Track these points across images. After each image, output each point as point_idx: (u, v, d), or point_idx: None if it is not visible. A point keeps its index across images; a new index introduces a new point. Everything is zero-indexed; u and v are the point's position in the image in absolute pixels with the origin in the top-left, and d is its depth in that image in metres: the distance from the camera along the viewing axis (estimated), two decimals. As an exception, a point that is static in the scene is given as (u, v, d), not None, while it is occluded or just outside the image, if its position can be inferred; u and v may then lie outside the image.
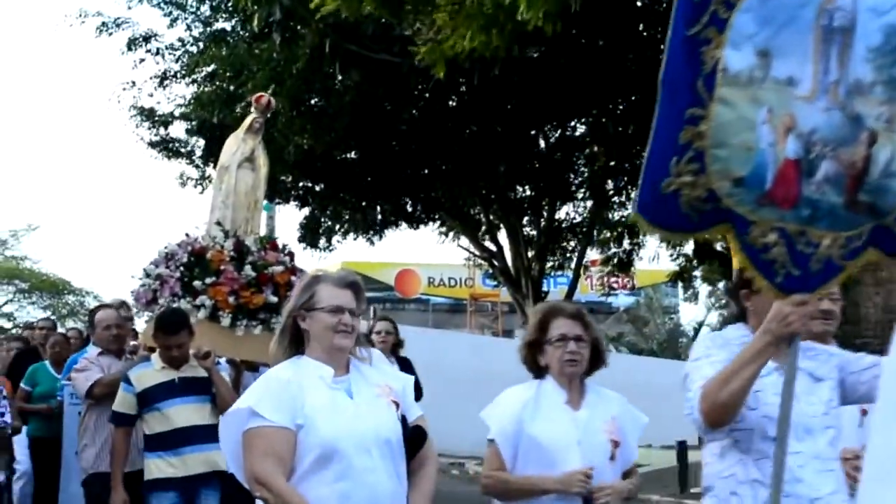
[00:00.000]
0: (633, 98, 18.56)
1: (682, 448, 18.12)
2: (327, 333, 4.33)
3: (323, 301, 4.35)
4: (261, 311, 8.09)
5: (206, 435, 7.20)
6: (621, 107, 19.18)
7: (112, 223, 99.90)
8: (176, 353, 7.36)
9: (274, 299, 8.05)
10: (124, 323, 8.78)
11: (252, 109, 9.14)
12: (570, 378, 4.97)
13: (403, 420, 4.42)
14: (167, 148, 24.13)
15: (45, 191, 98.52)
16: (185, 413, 7.33)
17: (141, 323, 10.46)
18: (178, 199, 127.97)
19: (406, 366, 8.52)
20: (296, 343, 4.43)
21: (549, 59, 16.41)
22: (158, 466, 7.31)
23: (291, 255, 8.77)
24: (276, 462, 4.15)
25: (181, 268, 8.06)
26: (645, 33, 17.55)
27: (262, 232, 8.97)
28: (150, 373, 7.43)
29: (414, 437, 4.44)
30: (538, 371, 5.04)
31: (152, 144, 24.06)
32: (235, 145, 8.83)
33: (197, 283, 7.96)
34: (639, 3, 16.45)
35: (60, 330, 13.34)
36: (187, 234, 8.51)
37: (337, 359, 4.38)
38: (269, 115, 9.40)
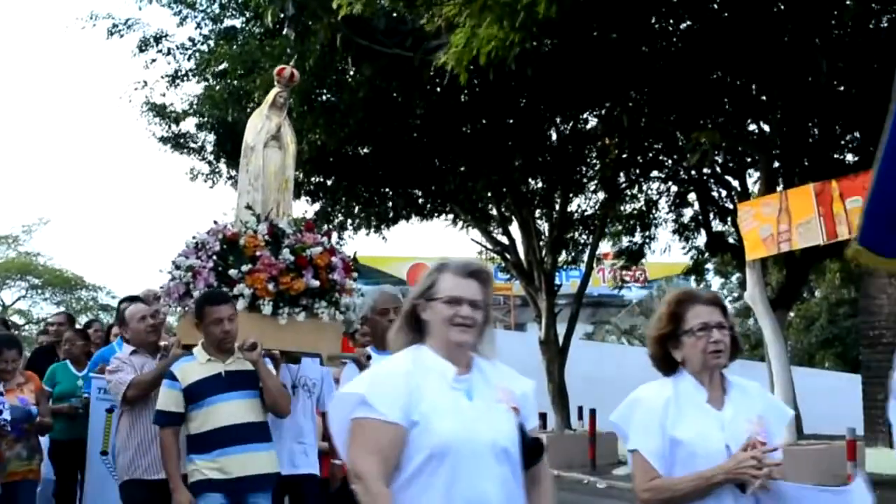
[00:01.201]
0: (645, 91, 18.53)
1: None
2: (444, 326, 3.98)
3: (442, 291, 4.01)
4: (303, 296, 7.45)
5: (255, 433, 6.85)
6: (633, 99, 19.14)
7: (124, 218, 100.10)
8: (228, 326, 6.79)
9: (315, 283, 7.47)
10: (159, 314, 8.16)
11: (275, 83, 8.44)
12: (712, 371, 4.46)
13: (521, 429, 4.03)
14: (178, 143, 24.23)
15: (56, 186, 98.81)
16: (232, 409, 6.80)
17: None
18: (188, 193, 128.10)
19: None
20: (415, 331, 4.08)
21: (562, 52, 16.40)
22: (203, 469, 6.74)
23: (329, 234, 8.10)
24: (377, 460, 3.82)
25: (214, 257, 7.43)
26: (657, 26, 17.53)
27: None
28: (195, 366, 6.87)
29: (532, 449, 4.05)
30: (669, 368, 4.56)
31: (164, 140, 24.16)
32: (260, 123, 8.21)
33: (232, 272, 7.35)
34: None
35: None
36: (216, 221, 7.89)
37: (457, 354, 4.01)
38: (292, 88, 8.62)
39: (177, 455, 6.86)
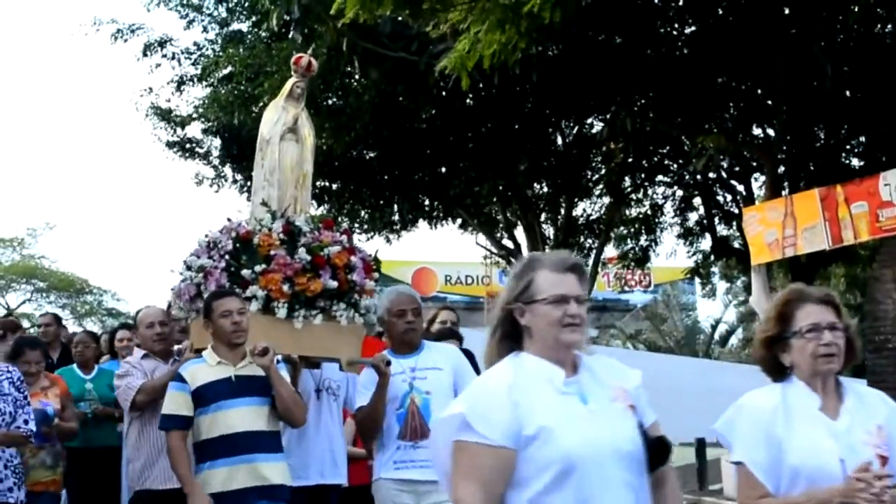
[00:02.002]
0: (650, 95, 18.55)
1: (700, 445, 18.15)
2: (552, 329, 3.63)
3: (543, 290, 3.66)
4: (319, 298, 7.03)
5: (265, 443, 6.46)
6: (638, 104, 19.16)
7: (129, 222, 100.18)
8: (237, 318, 6.42)
9: (333, 284, 7.05)
10: (169, 321, 7.89)
11: (292, 72, 7.97)
12: (825, 377, 4.08)
13: (641, 428, 3.69)
14: (184, 148, 24.26)
15: (61, 190, 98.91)
16: (241, 416, 6.39)
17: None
18: (194, 198, 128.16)
19: (470, 360, 7.46)
20: (511, 338, 3.73)
21: (567, 57, 16.42)
22: (209, 479, 6.36)
23: (348, 233, 7.64)
24: (478, 488, 3.48)
25: (226, 256, 7.02)
26: (662, 30, 17.55)
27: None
28: (204, 368, 6.49)
29: (657, 449, 3.68)
30: (778, 373, 4.19)
31: (169, 144, 24.20)
32: (276, 115, 7.72)
33: (246, 272, 6.92)
34: (656, 1, 16.44)
35: (73, 328, 12.81)
36: (229, 219, 7.50)
37: (564, 356, 3.68)
38: (310, 78, 8.11)
39: (187, 458, 6.46)
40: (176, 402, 6.46)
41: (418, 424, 6.57)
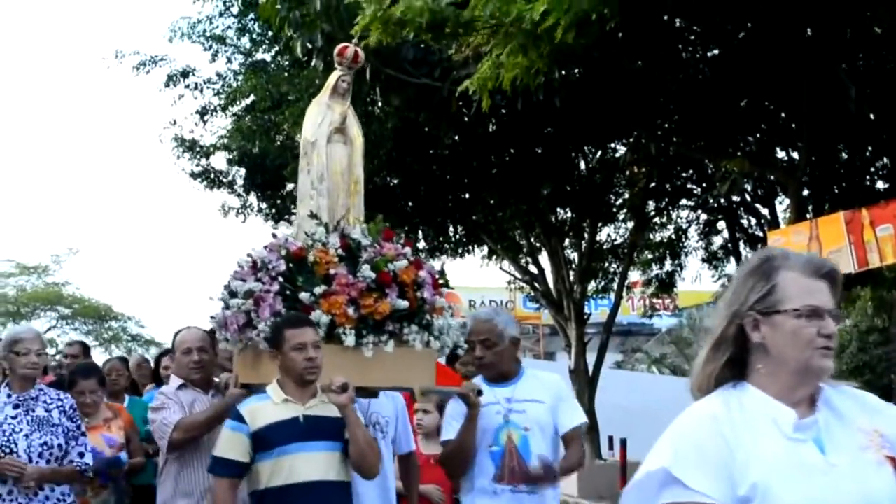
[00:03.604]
0: (673, 119, 18.53)
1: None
2: (801, 351, 2.82)
3: (792, 298, 2.83)
4: (388, 320, 6.11)
5: (336, 496, 5.62)
6: (661, 128, 19.14)
7: (152, 248, 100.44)
8: (312, 353, 5.56)
9: (403, 304, 6.13)
10: (211, 347, 7.01)
11: (336, 65, 7.00)
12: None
13: None
14: (209, 178, 24.35)
15: (84, 216, 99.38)
16: (310, 463, 5.51)
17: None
18: (217, 225, 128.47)
19: None
20: (735, 363, 2.92)
21: (589, 81, 16.41)
22: None
23: (411, 244, 6.80)
24: None
25: (279, 278, 6.07)
26: (684, 54, 17.53)
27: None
28: (268, 407, 5.58)
29: None
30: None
31: (194, 175, 24.30)
32: (320, 115, 6.80)
33: (304, 296, 5.96)
34: (678, 24, 16.42)
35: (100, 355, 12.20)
36: (274, 235, 6.72)
37: (805, 388, 2.87)
38: (357, 70, 7.20)
39: None
40: (231, 445, 5.56)
41: (517, 466, 5.87)
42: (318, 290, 6.00)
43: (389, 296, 6.13)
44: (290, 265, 6.15)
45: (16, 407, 6.79)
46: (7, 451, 6.58)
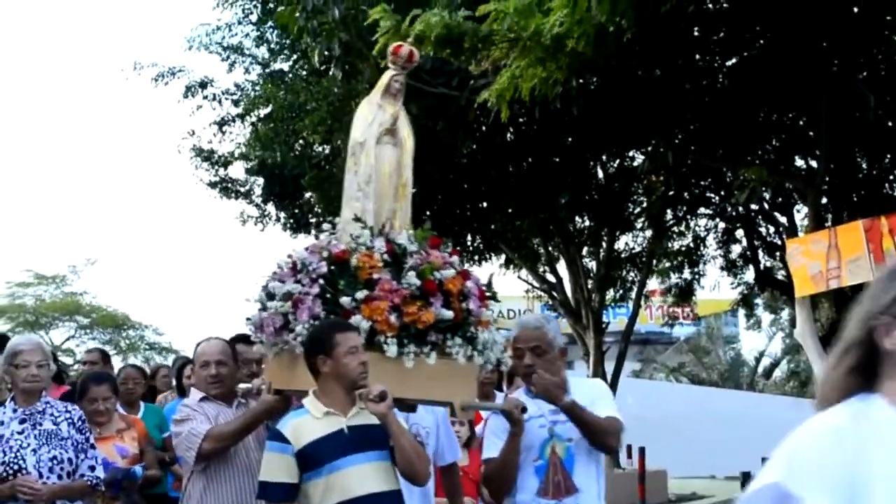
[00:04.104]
0: (690, 127, 18.52)
1: (746, 479, 18.00)
2: None
3: None
4: (430, 331, 5.76)
5: None
6: (679, 136, 19.13)
7: (170, 257, 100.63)
8: (364, 356, 5.31)
9: (448, 314, 5.77)
10: (231, 359, 6.70)
11: (389, 64, 6.69)
12: None
13: None
14: (226, 188, 24.41)
15: (102, 225, 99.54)
16: (362, 476, 5.23)
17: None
18: (235, 234, 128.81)
19: None
20: (864, 370, 2.58)
21: (607, 90, 16.42)
22: None
23: (458, 252, 6.52)
24: None
25: (320, 281, 5.77)
26: (702, 63, 17.52)
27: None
28: (309, 422, 5.27)
29: None
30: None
31: (212, 185, 24.36)
32: (371, 114, 6.48)
33: (345, 300, 5.65)
34: (696, 33, 16.42)
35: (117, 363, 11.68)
36: (317, 237, 6.47)
37: None
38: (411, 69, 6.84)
39: None
40: (277, 468, 5.23)
41: (562, 479, 5.63)
42: (361, 294, 5.66)
43: (434, 305, 5.79)
44: (332, 268, 5.83)
45: (22, 421, 6.55)
46: (15, 467, 6.36)
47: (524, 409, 5.59)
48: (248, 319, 6.21)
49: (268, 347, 6.01)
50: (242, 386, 6.62)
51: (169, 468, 8.58)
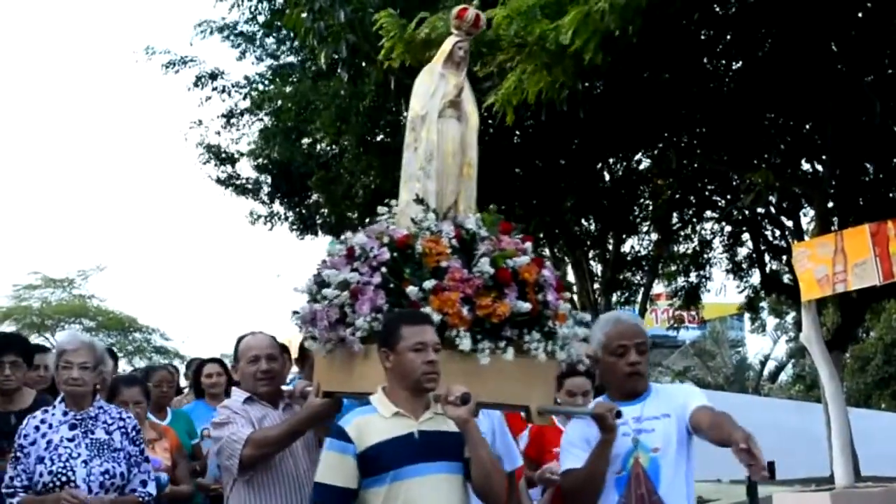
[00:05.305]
0: (697, 131, 18.53)
1: (751, 483, 17.97)
2: None
3: None
4: (505, 325, 5.11)
5: None
6: (686, 140, 19.14)
7: (178, 260, 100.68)
8: (433, 355, 4.63)
9: (526, 307, 5.13)
10: (281, 355, 6.06)
11: (452, 30, 5.92)
12: None
13: None
14: (234, 185, 24.45)
15: (112, 229, 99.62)
16: (428, 490, 4.55)
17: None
18: (242, 237, 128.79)
19: None
20: None
21: (613, 94, 16.44)
22: None
23: (531, 238, 5.72)
24: None
25: (382, 269, 5.12)
26: (708, 66, 17.54)
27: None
28: (376, 422, 4.63)
29: None
30: None
31: (220, 182, 24.40)
32: (432, 85, 5.76)
33: (412, 290, 4.99)
34: (702, 37, 16.44)
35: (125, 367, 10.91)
36: (375, 220, 5.62)
37: None
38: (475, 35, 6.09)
39: None
40: (336, 469, 4.60)
41: (645, 493, 5.03)
42: (429, 284, 5.02)
43: (508, 296, 5.14)
44: (395, 254, 5.17)
45: (73, 427, 5.92)
46: (63, 479, 5.74)
47: (619, 414, 4.94)
48: (295, 313, 5.58)
49: (320, 343, 5.36)
50: (286, 388, 6.04)
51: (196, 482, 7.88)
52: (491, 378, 4.97)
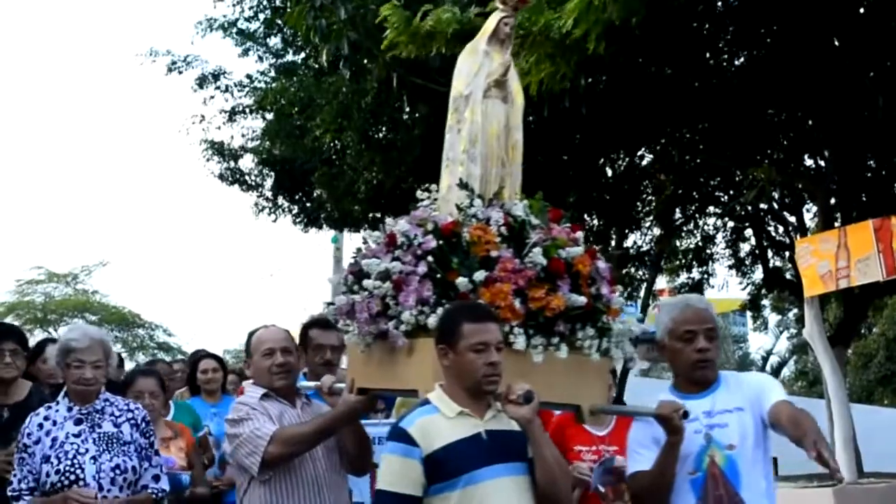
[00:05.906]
0: (699, 126, 18.49)
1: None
2: None
3: None
4: (558, 319, 4.79)
5: None
6: (688, 135, 19.11)
7: (182, 255, 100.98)
8: (496, 356, 4.35)
9: (581, 300, 4.83)
10: (296, 349, 5.79)
11: (497, 4, 5.57)
12: None
13: None
14: (237, 180, 24.48)
15: (115, 224, 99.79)
16: (499, 492, 4.27)
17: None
18: (246, 234, 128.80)
19: None
20: None
21: (616, 89, 16.41)
22: None
23: (580, 227, 5.47)
24: None
25: (427, 257, 4.77)
26: (711, 61, 17.50)
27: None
28: (440, 422, 4.33)
29: None
30: None
31: (222, 177, 24.42)
32: (476, 63, 5.42)
33: (461, 281, 4.64)
34: (705, 32, 16.40)
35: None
36: (418, 206, 5.33)
37: None
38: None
39: None
40: (400, 475, 4.27)
41: (724, 494, 4.71)
42: (479, 275, 4.68)
43: (561, 289, 4.83)
44: (441, 242, 4.83)
45: (78, 422, 5.67)
46: (72, 477, 5.48)
47: (685, 415, 4.66)
48: (329, 304, 5.34)
49: (359, 337, 5.04)
50: (303, 384, 5.80)
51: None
52: (542, 376, 4.66)
